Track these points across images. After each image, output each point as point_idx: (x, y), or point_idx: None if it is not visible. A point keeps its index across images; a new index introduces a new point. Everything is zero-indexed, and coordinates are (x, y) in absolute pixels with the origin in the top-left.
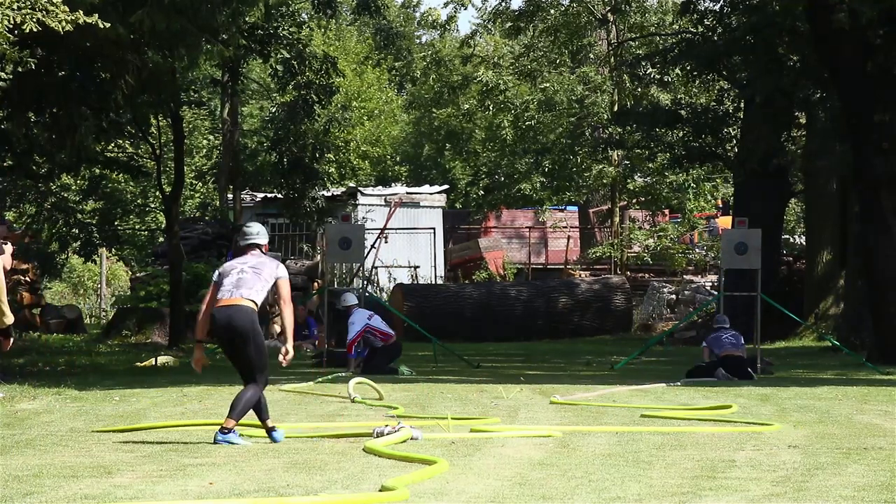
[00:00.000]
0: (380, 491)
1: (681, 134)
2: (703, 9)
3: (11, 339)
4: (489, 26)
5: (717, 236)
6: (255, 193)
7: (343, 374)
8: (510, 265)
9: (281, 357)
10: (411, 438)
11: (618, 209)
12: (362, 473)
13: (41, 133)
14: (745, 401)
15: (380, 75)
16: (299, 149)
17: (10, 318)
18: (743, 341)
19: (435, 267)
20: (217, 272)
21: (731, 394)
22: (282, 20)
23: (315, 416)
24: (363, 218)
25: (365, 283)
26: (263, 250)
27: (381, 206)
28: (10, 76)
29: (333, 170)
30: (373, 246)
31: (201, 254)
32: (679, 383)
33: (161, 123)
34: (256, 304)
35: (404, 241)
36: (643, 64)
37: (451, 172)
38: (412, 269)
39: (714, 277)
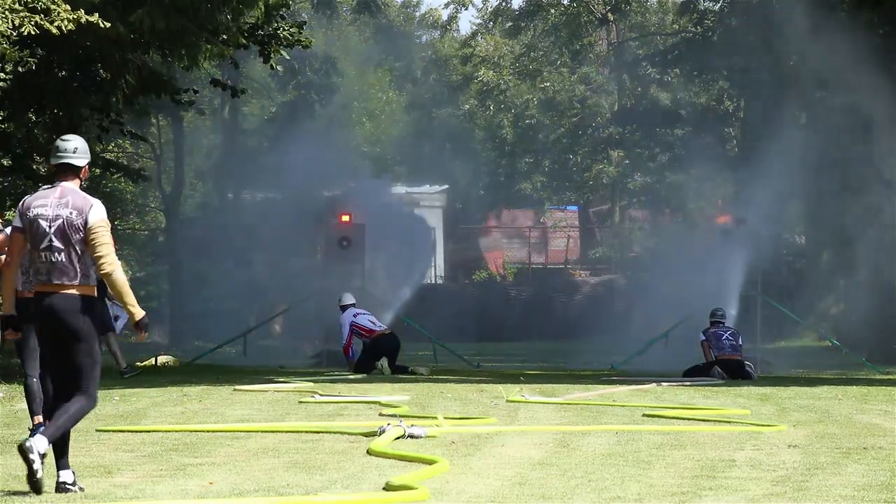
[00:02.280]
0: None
1: (681, 133)
2: (703, 9)
3: (145, 333)
4: (490, 26)
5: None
6: (255, 193)
7: (338, 373)
8: (510, 265)
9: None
10: (411, 436)
11: (618, 209)
12: (362, 473)
13: (41, 133)
14: (745, 401)
15: (381, 77)
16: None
17: (139, 313)
18: (741, 341)
19: (435, 267)
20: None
21: (731, 394)
22: (282, 21)
23: (315, 416)
24: None
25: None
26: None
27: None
28: (10, 76)
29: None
30: None
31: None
32: (665, 383)
33: (161, 123)
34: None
35: None
36: (643, 64)
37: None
38: None
39: None
